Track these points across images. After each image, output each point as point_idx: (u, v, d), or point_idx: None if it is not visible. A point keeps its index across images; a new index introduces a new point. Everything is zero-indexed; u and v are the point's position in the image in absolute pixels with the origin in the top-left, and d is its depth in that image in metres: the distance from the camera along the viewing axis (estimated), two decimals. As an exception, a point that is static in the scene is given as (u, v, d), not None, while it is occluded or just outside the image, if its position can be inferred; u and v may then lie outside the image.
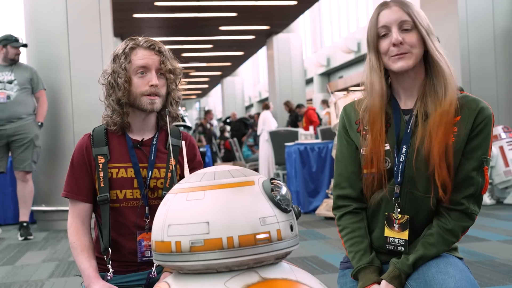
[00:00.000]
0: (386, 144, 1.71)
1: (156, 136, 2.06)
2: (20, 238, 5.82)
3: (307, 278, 1.26)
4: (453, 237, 1.69)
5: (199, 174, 1.29)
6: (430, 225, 1.70)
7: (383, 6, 1.71)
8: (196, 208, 1.21)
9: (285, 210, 1.25)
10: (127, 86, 1.96)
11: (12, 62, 5.92)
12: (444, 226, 1.67)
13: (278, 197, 1.24)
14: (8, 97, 5.78)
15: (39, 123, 6.01)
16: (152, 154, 2.03)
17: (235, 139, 13.88)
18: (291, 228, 1.26)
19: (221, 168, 1.30)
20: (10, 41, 5.88)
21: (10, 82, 5.82)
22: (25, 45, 6.05)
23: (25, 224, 5.92)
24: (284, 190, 1.27)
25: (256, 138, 13.50)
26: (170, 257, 1.23)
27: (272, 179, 1.29)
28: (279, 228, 1.22)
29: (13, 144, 5.86)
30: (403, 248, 1.70)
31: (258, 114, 14.67)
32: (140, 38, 2.01)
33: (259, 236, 1.19)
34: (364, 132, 1.75)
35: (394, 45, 1.66)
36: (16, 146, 5.86)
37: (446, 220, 1.68)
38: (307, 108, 13.97)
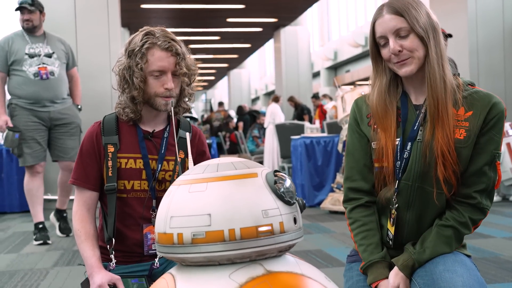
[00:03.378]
0: (398, 139, 1.70)
1: (167, 129, 2.06)
2: (60, 234, 5.18)
3: (312, 272, 1.25)
4: (466, 229, 1.69)
5: (202, 166, 1.28)
6: (442, 216, 1.69)
7: (377, 14, 1.70)
8: (198, 200, 1.20)
9: (288, 203, 1.24)
10: (143, 86, 1.95)
11: (33, 31, 4.88)
12: (458, 219, 1.67)
13: (282, 189, 1.23)
14: (52, 73, 4.80)
15: (79, 106, 5.17)
16: (163, 147, 2.02)
17: (241, 131, 13.86)
18: (295, 220, 1.25)
19: (224, 160, 1.29)
20: (19, 5, 4.86)
21: (49, 55, 4.83)
22: (21, 8, 4.84)
23: (65, 214, 5.22)
24: (287, 182, 1.26)
25: (260, 130, 13.48)
26: (172, 248, 1.22)
27: (275, 171, 1.27)
28: (282, 220, 1.21)
29: (57, 130, 4.94)
30: (391, 242, 1.72)
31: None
32: (157, 34, 1.95)
33: (261, 229, 1.18)
34: (375, 126, 1.74)
35: (393, 54, 1.66)
36: (60, 133, 4.95)
37: (459, 213, 1.68)
38: (320, 103, 14.01)
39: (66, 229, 5.21)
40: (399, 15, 1.64)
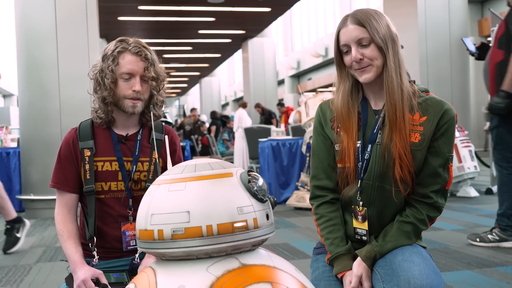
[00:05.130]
0: (359, 142, 1.70)
1: (140, 132, 2.03)
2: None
3: (284, 264, 1.24)
4: (424, 225, 1.70)
5: (181, 166, 1.26)
6: (402, 213, 1.70)
7: (342, 24, 1.69)
8: (177, 198, 1.18)
9: (261, 200, 1.23)
10: (113, 87, 1.92)
11: None
12: (417, 216, 1.68)
13: (255, 188, 1.22)
14: None
15: None
16: (137, 149, 2.00)
17: (212, 135, 13.82)
18: (267, 217, 1.24)
19: (201, 161, 1.28)
20: None
21: None
22: None
23: (8, 226, 4.43)
24: (260, 181, 1.25)
25: (230, 133, 13.47)
26: (153, 244, 1.20)
27: (249, 171, 1.27)
28: (255, 216, 1.20)
29: None
30: (366, 238, 1.70)
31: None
32: (130, 41, 1.95)
33: (236, 225, 1.17)
34: (338, 130, 1.74)
35: (354, 61, 1.66)
36: None
37: (418, 211, 1.69)
38: (286, 107, 14.14)
39: (9, 241, 4.42)
40: (362, 26, 1.64)
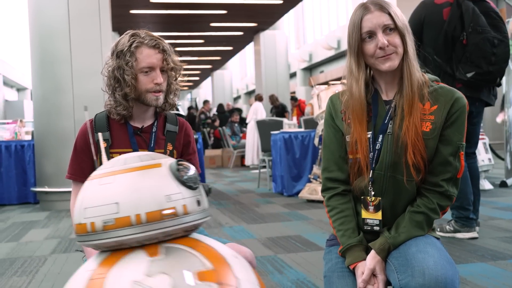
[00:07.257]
0: (369, 132, 1.70)
1: (155, 124, 2.04)
2: None
3: (209, 240, 1.29)
4: (436, 215, 1.70)
5: (112, 161, 1.31)
6: (413, 203, 1.70)
7: (364, 10, 1.66)
8: (107, 191, 1.23)
9: (191, 188, 1.26)
10: (134, 82, 1.93)
11: None
12: (428, 206, 1.68)
13: (185, 176, 1.26)
14: None
15: None
16: (152, 141, 2.01)
17: (224, 128, 13.83)
18: (198, 203, 1.28)
19: (132, 154, 1.33)
20: None
21: None
22: None
23: None
24: (191, 171, 1.29)
25: (232, 127, 13.47)
26: (87, 237, 1.24)
27: (179, 161, 1.30)
28: (185, 203, 1.24)
29: None
30: (378, 228, 1.70)
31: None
32: (142, 35, 1.94)
33: (165, 212, 1.21)
34: (348, 121, 1.74)
35: (380, 48, 1.63)
36: None
37: (429, 200, 1.68)
38: (299, 100, 14.15)
39: None
40: (386, 12, 1.64)
